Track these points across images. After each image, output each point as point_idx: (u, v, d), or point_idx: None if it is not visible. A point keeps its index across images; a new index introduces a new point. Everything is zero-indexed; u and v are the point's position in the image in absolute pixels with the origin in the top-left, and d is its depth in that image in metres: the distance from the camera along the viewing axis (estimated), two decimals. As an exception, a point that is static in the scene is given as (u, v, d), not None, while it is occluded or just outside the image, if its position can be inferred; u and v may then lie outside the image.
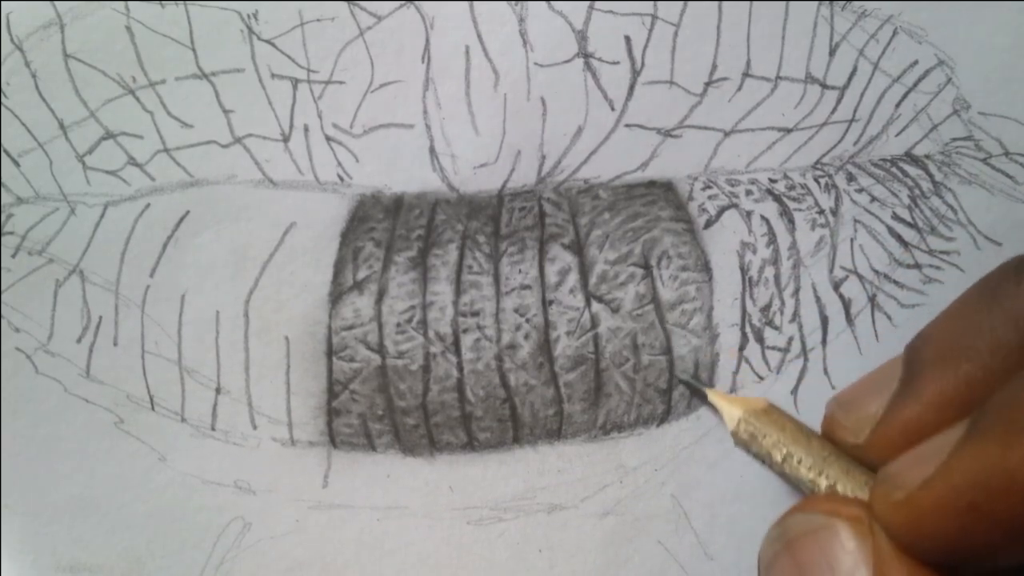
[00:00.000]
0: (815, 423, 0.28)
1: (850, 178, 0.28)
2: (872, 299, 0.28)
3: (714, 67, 0.27)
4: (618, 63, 0.27)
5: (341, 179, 0.27)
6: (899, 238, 0.28)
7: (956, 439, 0.19)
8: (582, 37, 0.27)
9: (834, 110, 0.28)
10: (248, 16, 0.26)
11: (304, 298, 0.27)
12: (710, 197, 0.28)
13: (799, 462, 0.24)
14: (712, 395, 0.26)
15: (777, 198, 0.28)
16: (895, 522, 0.20)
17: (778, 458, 0.24)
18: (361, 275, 0.27)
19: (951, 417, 0.21)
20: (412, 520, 0.27)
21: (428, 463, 0.27)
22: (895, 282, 0.28)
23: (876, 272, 0.28)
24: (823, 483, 0.23)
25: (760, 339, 0.28)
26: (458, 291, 0.27)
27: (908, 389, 0.22)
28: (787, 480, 0.24)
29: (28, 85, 0.25)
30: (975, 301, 0.23)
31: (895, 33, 0.27)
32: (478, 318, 0.27)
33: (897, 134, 0.28)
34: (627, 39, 0.27)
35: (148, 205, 0.26)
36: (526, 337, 0.27)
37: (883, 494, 0.21)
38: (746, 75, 0.27)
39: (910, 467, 0.20)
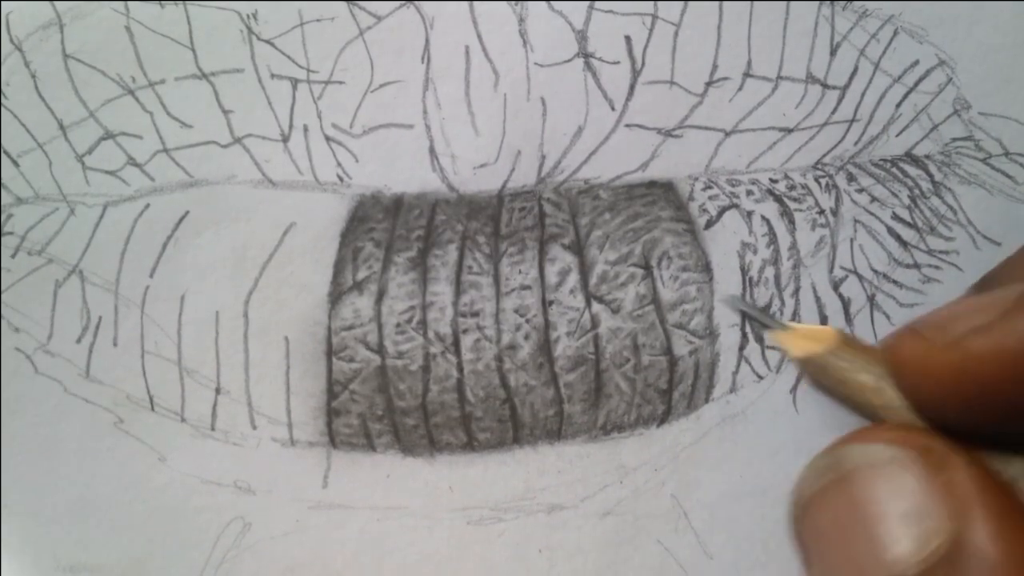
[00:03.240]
0: (814, 422, 0.28)
1: (850, 178, 0.28)
2: (871, 299, 0.28)
3: (715, 67, 0.27)
4: (618, 63, 0.27)
5: (341, 179, 0.27)
6: (899, 238, 0.28)
7: (1019, 292, 0.17)
8: (582, 37, 0.27)
9: (835, 110, 0.28)
10: (248, 16, 0.26)
11: (304, 298, 0.27)
12: (711, 197, 0.28)
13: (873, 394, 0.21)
14: (776, 335, 0.25)
15: (778, 198, 0.28)
16: (934, 368, 0.18)
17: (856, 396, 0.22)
18: (361, 275, 0.27)
19: None
20: (412, 520, 0.27)
21: (428, 463, 0.27)
22: (894, 282, 0.28)
23: (875, 272, 0.28)
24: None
25: (760, 339, 0.28)
26: (458, 291, 0.27)
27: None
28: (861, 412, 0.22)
29: (28, 85, 0.25)
30: None
31: (896, 33, 0.27)
32: (478, 318, 0.27)
33: (898, 134, 0.28)
34: (627, 39, 0.27)
35: (148, 205, 0.26)
36: (526, 337, 0.27)
37: (916, 339, 0.18)
38: (747, 75, 0.27)
39: (957, 316, 0.18)
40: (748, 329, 0.27)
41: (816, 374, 0.23)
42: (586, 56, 0.27)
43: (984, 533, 0.17)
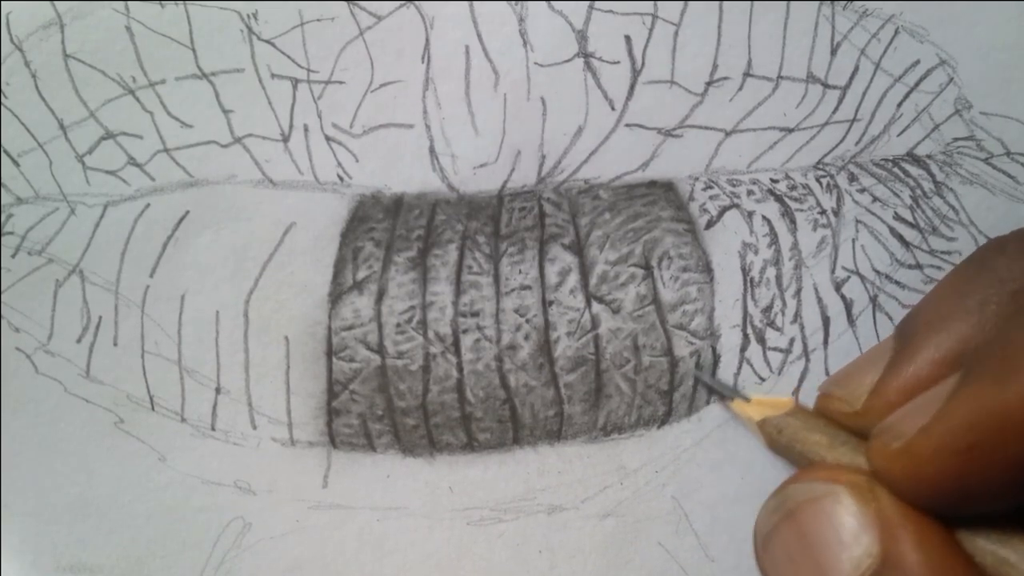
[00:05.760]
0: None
1: (852, 178, 0.28)
2: (874, 300, 0.28)
3: (715, 67, 0.27)
4: (618, 63, 0.27)
5: (341, 179, 0.27)
6: (901, 238, 0.28)
7: (951, 387, 0.20)
8: (582, 37, 0.27)
9: (836, 110, 0.28)
10: (248, 16, 0.26)
11: (304, 298, 0.27)
12: (711, 197, 0.27)
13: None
14: (737, 405, 0.27)
15: (779, 198, 0.28)
16: (894, 471, 0.20)
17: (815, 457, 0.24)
18: (361, 275, 0.27)
19: (945, 374, 0.21)
20: (412, 520, 0.27)
21: (428, 463, 0.27)
22: (897, 282, 0.28)
23: (878, 272, 0.28)
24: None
25: (761, 340, 0.27)
26: (458, 291, 0.27)
27: (902, 355, 0.23)
28: None
29: (28, 85, 0.25)
30: (961, 274, 0.23)
31: (897, 32, 0.27)
32: (478, 318, 0.26)
33: (899, 134, 0.28)
34: (627, 39, 0.27)
35: (148, 205, 0.26)
36: (526, 338, 0.27)
37: (880, 446, 0.21)
38: (747, 75, 0.27)
39: (906, 418, 0.20)
40: (749, 330, 0.27)
41: (774, 435, 0.24)
42: (586, 56, 0.27)
43: (906, 548, 0.19)
